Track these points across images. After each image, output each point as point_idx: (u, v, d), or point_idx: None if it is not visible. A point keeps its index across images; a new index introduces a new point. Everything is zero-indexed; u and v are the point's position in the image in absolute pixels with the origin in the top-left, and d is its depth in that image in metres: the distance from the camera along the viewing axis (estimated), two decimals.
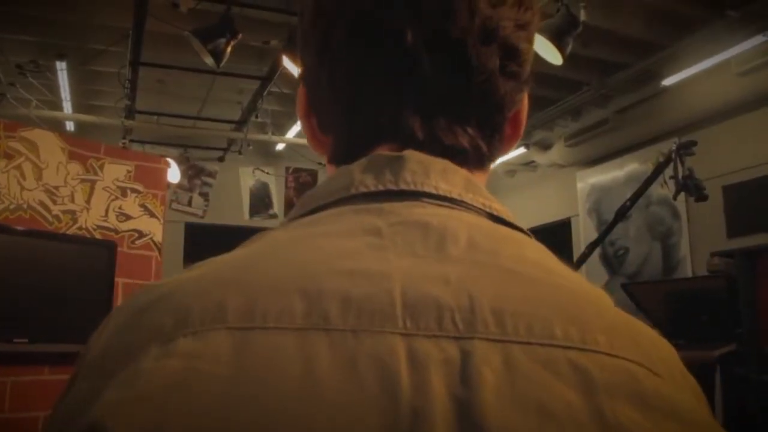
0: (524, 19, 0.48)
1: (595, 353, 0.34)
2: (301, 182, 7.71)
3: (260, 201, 7.66)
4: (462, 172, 0.45)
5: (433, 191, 0.42)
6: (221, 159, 7.40)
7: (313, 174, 7.68)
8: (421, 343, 0.33)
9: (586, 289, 0.39)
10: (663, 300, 3.40)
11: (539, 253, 0.41)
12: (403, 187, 0.42)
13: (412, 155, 0.44)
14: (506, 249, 0.39)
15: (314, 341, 0.33)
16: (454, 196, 0.43)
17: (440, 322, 0.34)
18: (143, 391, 0.32)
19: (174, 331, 0.34)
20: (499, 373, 0.32)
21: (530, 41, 0.49)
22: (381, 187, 0.42)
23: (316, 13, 0.49)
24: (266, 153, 7.47)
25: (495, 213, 0.44)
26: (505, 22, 0.46)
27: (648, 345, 0.37)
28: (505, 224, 0.44)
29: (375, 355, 0.33)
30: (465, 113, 0.47)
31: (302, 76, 0.52)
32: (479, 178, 0.49)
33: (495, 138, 0.50)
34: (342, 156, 0.49)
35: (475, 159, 0.48)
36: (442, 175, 0.44)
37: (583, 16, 4.10)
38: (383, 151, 0.46)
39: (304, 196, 0.46)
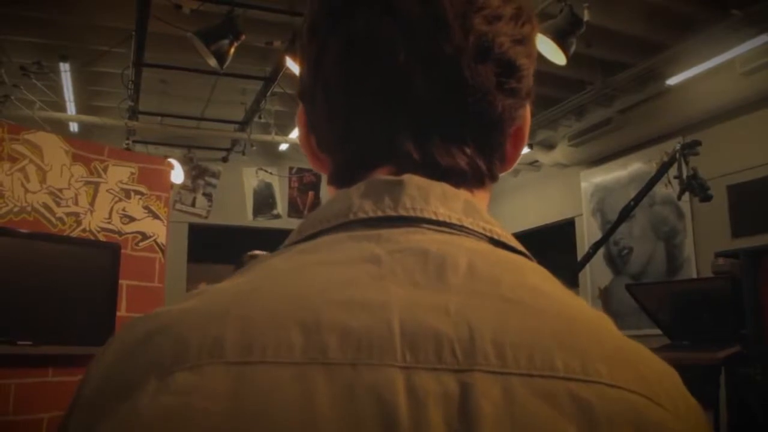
0: (522, 33, 0.47)
1: (596, 384, 0.34)
2: (304, 182, 7.71)
3: (264, 201, 7.66)
4: (462, 196, 0.44)
5: (433, 217, 0.42)
6: (225, 159, 7.40)
7: (317, 174, 7.68)
8: (421, 376, 0.33)
9: (588, 315, 0.38)
10: (667, 301, 3.39)
11: (540, 278, 0.40)
12: (402, 213, 0.42)
13: (410, 180, 0.43)
14: (507, 276, 0.39)
15: (313, 375, 0.33)
16: (454, 221, 0.42)
17: (440, 354, 0.34)
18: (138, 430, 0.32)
19: (172, 365, 0.34)
20: (499, 407, 0.32)
21: (529, 56, 0.48)
22: (380, 213, 0.42)
23: (310, 31, 0.49)
24: (270, 153, 7.47)
25: (496, 237, 0.43)
26: (502, 38, 0.45)
27: (650, 374, 0.37)
28: (507, 248, 0.43)
29: (374, 390, 0.33)
30: (462, 133, 0.46)
31: (300, 93, 0.52)
32: (480, 198, 0.49)
33: (495, 157, 0.49)
34: (340, 178, 0.49)
35: (474, 179, 0.47)
36: (441, 199, 0.43)
37: (586, 16, 4.08)
38: (381, 175, 0.45)
39: (303, 221, 0.46)
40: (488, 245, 0.42)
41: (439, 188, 0.44)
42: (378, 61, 0.45)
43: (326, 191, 0.52)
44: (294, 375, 0.33)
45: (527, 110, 0.51)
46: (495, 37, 0.45)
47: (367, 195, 0.43)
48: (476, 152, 0.47)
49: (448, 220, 0.42)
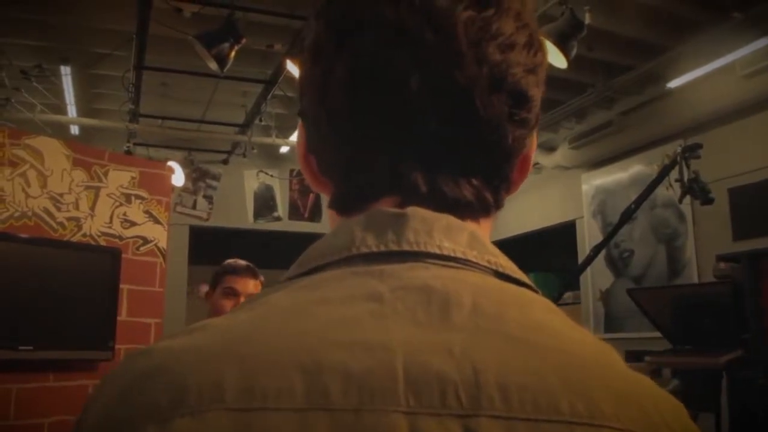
0: (535, 62, 0.46)
1: (601, 428, 0.34)
2: (305, 185, 7.71)
3: (264, 204, 7.66)
4: (467, 228, 0.44)
5: (437, 251, 0.41)
6: (225, 162, 7.40)
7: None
8: (425, 422, 0.33)
9: (593, 351, 0.38)
10: (669, 305, 3.38)
11: (545, 312, 0.40)
12: (405, 247, 0.41)
13: (414, 212, 0.43)
14: (511, 313, 0.38)
15: (315, 421, 0.32)
16: (458, 255, 0.42)
17: (444, 398, 0.33)
18: None
19: (170, 410, 0.33)
20: None
21: (539, 85, 0.47)
22: (383, 248, 0.41)
23: (315, 51, 0.47)
24: (270, 156, 7.47)
25: (501, 270, 0.42)
26: (515, 69, 0.44)
27: (654, 411, 0.36)
28: (511, 280, 0.42)
29: None
30: (470, 165, 0.45)
31: (301, 112, 0.50)
32: (485, 226, 0.48)
33: (502, 187, 0.48)
34: (342, 206, 0.48)
35: (481, 209, 0.47)
36: (445, 232, 0.42)
37: (587, 19, 4.08)
38: (386, 206, 0.44)
39: (305, 253, 0.45)
40: (493, 279, 0.42)
41: (444, 220, 0.43)
42: (387, 90, 0.43)
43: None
44: (296, 421, 0.32)
45: (534, 137, 0.50)
46: (509, 67, 0.44)
47: (369, 228, 0.42)
48: (484, 184, 0.46)
49: (452, 254, 0.41)
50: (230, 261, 2.25)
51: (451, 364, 0.34)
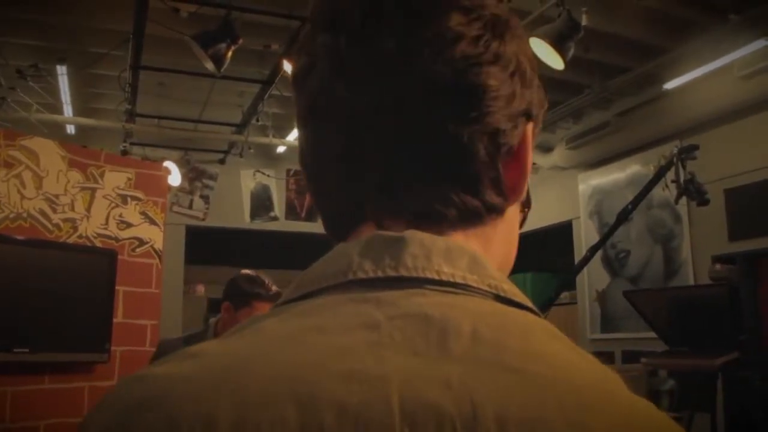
0: (492, 52, 0.45)
1: None
2: (302, 185, 7.70)
3: (261, 203, 7.65)
4: (467, 251, 0.43)
5: (435, 276, 0.40)
6: (222, 162, 7.39)
7: None
8: None
9: (595, 378, 0.37)
10: (665, 308, 3.39)
11: (547, 338, 0.39)
12: (403, 273, 0.40)
13: (413, 236, 0.42)
14: (512, 341, 0.37)
15: None
16: (458, 279, 0.41)
17: None
18: None
19: None
20: None
21: (506, 71, 0.45)
22: (380, 274, 0.40)
23: (294, 87, 0.50)
24: (267, 155, 7.46)
25: (502, 294, 0.42)
26: (448, 69, 0.43)
27: None
28: (513, 304, 0.42)
29: None
30: (432, 173, 0.45)
31: (298, 149, 0.52)
32: (485, 236, 0.47)
33: (484, 187, 0.46)
34: (333, 225, 0.49)
35: (465, 218, 0.45)
36: (445, 256, 0.41)
37: (584, 20, 4.08)
38: (367, 232, 0.44)
39: (301, 276, 0.44)
40: (494, 304, 0.41)
41: (443, 243, 0.42)
42: (334, 119, 0.45)
43: None
44: None
45: (523, 131, 0.47)
46: (443, 65, 0.43)
47: (366, 252, 0.42)
48: (458, 189, 0.45)
49: (451, 280, 0.41)
50: (261, 283, 2.16)
51: (448, 397, 0.34)
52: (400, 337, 0.37)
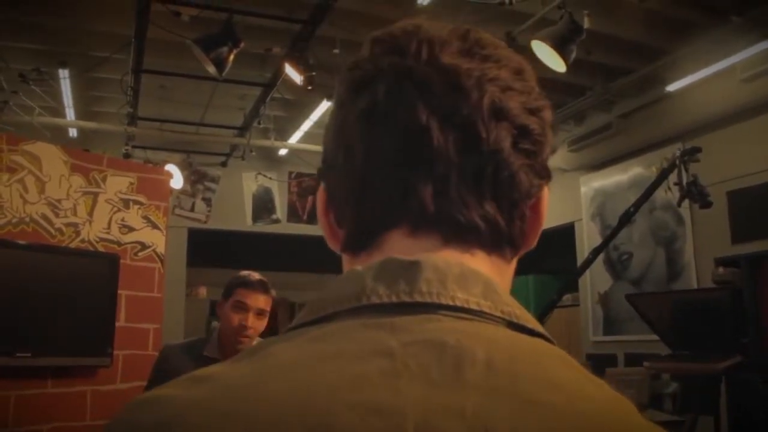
0: (534, 104, 0.48)
1: None
2: (303, 187, 7.71)
3: (263, 206, 7.65)
4: (482, 277, 0.43)
5: (450, 302, 0.41)
6: (224, 164, 7.40)
7: (317, 179, 7.67)
8: None
9: (606, 408, 0.37)
10: (668, 311, 3.38)
11: (559, 366, 0.39)
12: (417, 298, 0.40)
13: (427, 261, 0.42)
14: (525, 370, 0.38)
15: None
16: (472, 306, 0.41)
17: None
18: None
19: None
20: None
21: (542, 127, 0.49)
22: (394, 299, 0.40)
23: (336, 106, 0.50)
24: (269, 158, 7.46)
25: (515, 321, 0.42)
26: (514, 104, 0.47)
27: None
28: (526, 331, 0.42)
29: None
30: (479, 187, 0.46)
31: (320, 171, 0.53)
32: (500, 267, 0.48)
33: (515, 216, 0.48)
34: (354, 242, 0.48)
35: (492, 239, 0.46)
36: (459, 282, 0.42)
37: (586, 23, 4.07)
38: (397, 238, 0.45)
39: (314, 300, 0.44)
40: (507, 331, 0.41)
41: (458, 269, 0.42)
42: (397, 119, 0.46)
43: None
44: None
45: (545, 190, 0.50)
46: (508, 101, 0.47)
47: (380, 277, 0.42)
48: (496, 209, 0.47)
49: (466, 306, 0.41)
50: (243, 273, 2.20)
51: (462, 428, 0.34)
52: (414, 365, 0.37)
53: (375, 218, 0.47)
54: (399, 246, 0.45)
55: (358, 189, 0.48)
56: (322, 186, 0.53)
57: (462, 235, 0.45)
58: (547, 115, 0.50)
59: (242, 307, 2.11)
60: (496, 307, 0.42)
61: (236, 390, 0.37)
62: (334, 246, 0.52)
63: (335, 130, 0.49)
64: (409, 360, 0.37)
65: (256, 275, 2.19)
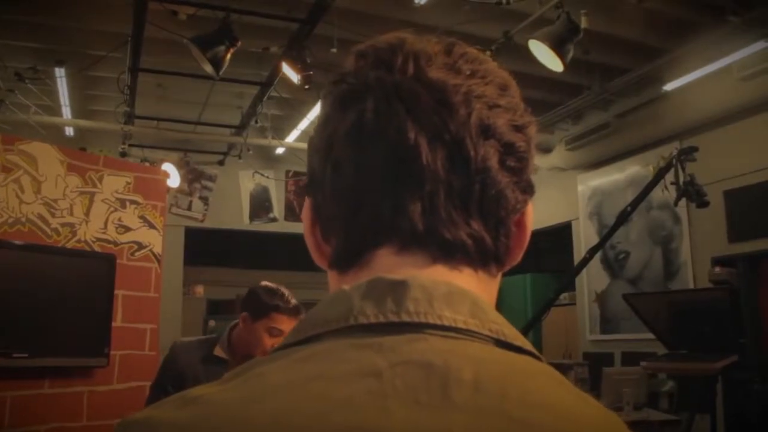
0: (520, 121, 0.49)
1: None
2: (300, 186, 7.70)
3: (260, 205, 7.64)
4: (469, 295, 0.43)
5: (437, 322, 0.41)
6: (221, 163, 7.39)
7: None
8: None
9: (594, 424, 0.37)
10: (665, 311, 3.39)
11: (547, 384, 0.39)
12: (405, 318, 0.40)
13: (415, 280, 0.42)
14: (513, 390, 0.37)
15: None
16: (459, 324, 0.41)
17: None
18: None
19: None
20: None
21: (528, 143, 0.49)
22: (382, 319, 0.41)
23: (323, 121, 0.50)
24: (266, 157, 7.46)
25: (503, 339, 0.42)
26: (501, 121, 0.47)
27: None
28: (514, 349, 0.42)
29: None
30: (466, 206, 0.46)
31: (306, 186, 0.52)
32: (486, 283, 0.48)
33: (500, 233, 0.48)
34: (342, 259, 0.48)
35: (478, 256, 0.47)
36: (446, 300, 0.42)
37: (584, 23, 4.07)
38: (385, 255, 0.45)
39: (302, 320, 0.44)
40: (495, 349, 0.41)
41: (445, 287, 0.42)
42: (386, 137, 0.45)
43: None
44: None
45: (529, 207, 0.51)
46: (496, 118, 0.47)
47: (368, 297, 0.42)
48: (482, 225, 0.47)
49: (453, 325, 0.41)
50: (277, 292, 2.12)
51: None
52: (402, 386, 0.37)
53: (364, 236, 0.47)
54: (387, 264, 0.45)
55: (346, 206, 0.47)
56: (308, 202, 0.52)
57: (449, 253, 0.45)
58: (532, 131, 0.50)
59: (278, 334, 2.06)
60: (483, 325, 0.42)
61: (224, 412, 0.37)
62: (320, 262, 0.52)
63: (323, 146, 0.49)
64: (396, 380, 0.37)
65: (292, 299, 2.12)
